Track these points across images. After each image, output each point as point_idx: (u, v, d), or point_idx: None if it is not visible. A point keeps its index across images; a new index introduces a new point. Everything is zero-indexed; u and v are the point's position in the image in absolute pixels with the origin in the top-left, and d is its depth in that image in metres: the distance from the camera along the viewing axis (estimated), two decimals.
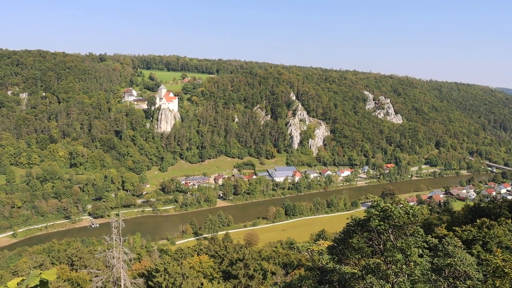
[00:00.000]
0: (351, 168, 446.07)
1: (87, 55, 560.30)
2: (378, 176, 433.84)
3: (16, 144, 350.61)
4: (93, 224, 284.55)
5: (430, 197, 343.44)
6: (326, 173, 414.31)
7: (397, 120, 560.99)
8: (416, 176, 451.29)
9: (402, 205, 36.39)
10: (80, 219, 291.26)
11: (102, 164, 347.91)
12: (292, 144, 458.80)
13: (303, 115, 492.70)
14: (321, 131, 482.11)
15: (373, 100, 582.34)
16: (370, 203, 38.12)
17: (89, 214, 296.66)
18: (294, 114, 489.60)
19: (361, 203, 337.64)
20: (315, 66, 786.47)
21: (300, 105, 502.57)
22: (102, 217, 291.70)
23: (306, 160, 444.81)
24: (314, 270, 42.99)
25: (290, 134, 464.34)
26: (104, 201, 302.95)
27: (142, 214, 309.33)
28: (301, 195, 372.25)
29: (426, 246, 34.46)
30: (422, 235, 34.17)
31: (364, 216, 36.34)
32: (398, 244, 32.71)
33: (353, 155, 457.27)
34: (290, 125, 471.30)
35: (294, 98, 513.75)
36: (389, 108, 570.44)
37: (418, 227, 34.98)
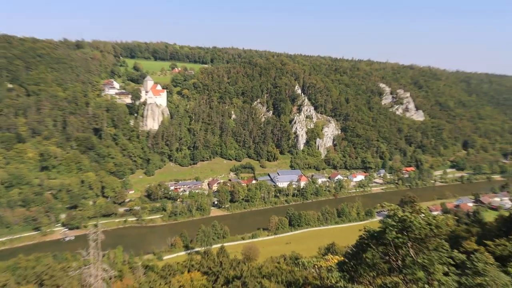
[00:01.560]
0: (365, 172, 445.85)
1: (61, 41, 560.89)
2: (396, 181, 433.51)
3: None
4: (67, 237, 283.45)
5: (456, 206, 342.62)
6: (336, 178, 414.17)
7: (418, 116, 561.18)
8: (440, 182, 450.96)
9: (423, 215, 35.95)
10: (52, 230, 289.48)
11: (78, 167, 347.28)
12: (297, 145, 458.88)
13: (310, 111, 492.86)
14: (331, 130, 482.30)
15: (390, 94, 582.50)
16: (386, 213, 37.81)
17: (63, 225, 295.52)
18: (299, 110, 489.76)
19: (376, 212, 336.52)
20: (323, 55, 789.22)
21: (306, 100, 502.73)
22: (78, 228, 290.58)
23: (313, 163, 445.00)
24: None
25: (295, 133, 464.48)
26: (80, 210, 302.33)
27: (125, 224, 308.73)
28: (307, 203, 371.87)
29: (452, 262, 34.03)
30: (447, 249, 33.73)
31: (379, 228, 35.99)
32: (419, 260, 32.31)
33: (368, 157, 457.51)
34: (295, 122, 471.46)
35: (299, 91, 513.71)
36: (408, 103, 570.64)
37: (443, 240, 34.57)
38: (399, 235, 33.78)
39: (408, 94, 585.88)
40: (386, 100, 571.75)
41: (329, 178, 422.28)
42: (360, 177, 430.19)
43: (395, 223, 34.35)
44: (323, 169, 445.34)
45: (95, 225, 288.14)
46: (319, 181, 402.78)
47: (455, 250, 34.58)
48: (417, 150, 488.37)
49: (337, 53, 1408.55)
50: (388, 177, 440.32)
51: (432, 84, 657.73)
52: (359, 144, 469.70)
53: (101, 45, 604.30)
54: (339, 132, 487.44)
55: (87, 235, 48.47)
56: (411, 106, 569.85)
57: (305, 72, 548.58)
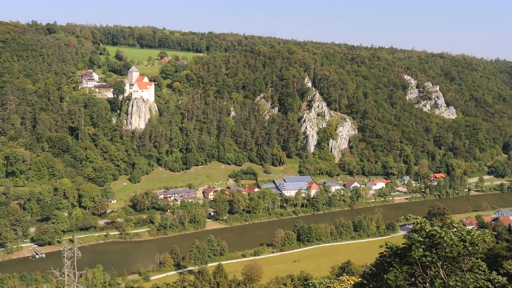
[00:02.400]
0: (386, 179, 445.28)
1: (29, 24, 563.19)
2: (423, 190, 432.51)
3: None
4: (37, 254, 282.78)
5: (495, 219, 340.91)
6: (353, 185, 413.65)
7: (450, 114, 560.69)
8: (475, 190, 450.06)
9: (456, 230, 35.71)
10: (19, 247, 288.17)
11: (51, 172, 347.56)
12: (306, 147, 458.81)
13: (322, 107, 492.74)
14: (346, 129, 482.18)
15: (417, 87, 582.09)
16: (411, 226, 37.58)
17: (32, 241, 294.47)
18: (309, 106, 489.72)
19: (400, 226, 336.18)
20: (337, 42, 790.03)
21: (317, 94, 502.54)
22: (50, 244, 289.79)
23: (326, 168, 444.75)
24: None
25: (305, 133, 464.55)
26: (53, 223, 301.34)
27: (106, 239, 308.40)
28: (318, 215, 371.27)
29: (490, 286, 33.74)
30: (484, 270, 33.44)
31: (404, 244, 35.80)
32: (451, 283, 32.06)
33: (389, 161, 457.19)
34: (305, 120, 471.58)
35: (309, 84, 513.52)
36: (438, 98, 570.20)
37: (479, 260, 34.30)
38: (427, 252, 33.53)
39: (437, 88, 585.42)
40: (412, 94, 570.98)
41: (344, 185, 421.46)
42: (380, 184, 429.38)
43: (422, 239, 34.11)
44: (337, 175, 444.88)
45: (71, 240, 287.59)
46: (333, 189, 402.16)
47: (494, 272, 34.26)
48: (448, 154, 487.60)
49: (354, 39, 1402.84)
50: (414, 184, 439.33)
51: (467, 75, 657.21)
52: (380, 146, 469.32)
53: (77, 29, 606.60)
54: (356, 132, 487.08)
55: (61, 252, 48.34)
56: (441, 101, 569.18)
57: (316, 62, 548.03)
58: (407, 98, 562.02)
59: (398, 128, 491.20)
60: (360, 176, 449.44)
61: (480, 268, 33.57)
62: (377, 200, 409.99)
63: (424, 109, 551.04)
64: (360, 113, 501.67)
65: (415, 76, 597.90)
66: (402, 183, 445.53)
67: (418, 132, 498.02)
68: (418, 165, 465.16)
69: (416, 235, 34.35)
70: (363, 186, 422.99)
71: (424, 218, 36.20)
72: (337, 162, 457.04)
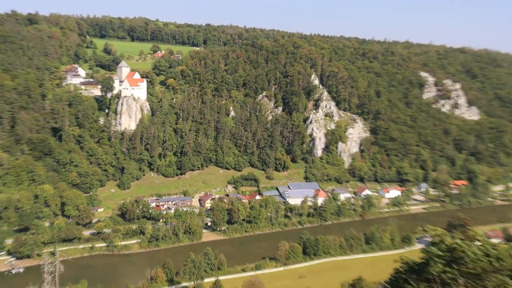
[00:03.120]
0: (401, 186, 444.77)
1: (8, 14, 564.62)
2: (442, 199, 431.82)
3: None
4: (14, 269, 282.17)
5: None
6: (364, 193, 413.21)
7: (472, 115, 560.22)
8: (501, 200, 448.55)
9: (479, 243, 35.13)
10: None
11: (31, 177, 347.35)
12: (313, 150, 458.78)
13: (330, 107, 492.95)
14: (357, 131, 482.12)
15: (435, 85, 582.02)
16: (430, 239, 36.99)
17: (9, 253, 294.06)
18: (316, 106, 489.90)
19: (417, 238, 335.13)
20: (347, 35, 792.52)
21: (325, 93, 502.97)
22: (29, 257, 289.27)
23: (334, 174, 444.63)
24: None
25: (311, 135, 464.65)
26: (32, 234, 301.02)
27: (91, 252, 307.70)
28: (326, 225, 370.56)
29: None
30: None
31: (421, 258, 35.26)
32: None
33: (404, 166, 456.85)
34: (311, 121, 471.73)
35: (316, 82, 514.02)
36: (458, 97, 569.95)
37: (506, 277, 33.70)
38: (447, 268, 32.94)
39: (458, 86, 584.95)
40: (429, 93, 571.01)
41: (354, 193, 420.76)
42: (394, 192, 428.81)
43: (441, 253, 33.56)
44: (347, 181, 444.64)
45: (52, 254, 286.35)
46: (342, 197, 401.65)
47: None
48: (470, 159, 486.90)
49: (366, 33, 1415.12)
50: (432, 193, 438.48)
51: (490, 72, 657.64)
52: (394, 150, 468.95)
53: (61, 20, 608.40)
54: (368, 135, 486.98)
55: (41, 267, 47.83)
56: (462, 101, 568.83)
57: (324, 58, 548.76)
58: (424, 97, 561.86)
59: (414, 130, 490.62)
60: (372, 183, 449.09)
61: (507, 286, 32.95)
62: (391, 209, 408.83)
63: (443, 110, 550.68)
64: (372, 113, 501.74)
65: (433, 73, 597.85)
66: (419, 191, 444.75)
67: (437, 134, 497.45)
68: (436, 171, 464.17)
69: (435, 248, 33.86)
70: (375, 194, 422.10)
71: (444, 230, 35.68)
72: (347, 168, 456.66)
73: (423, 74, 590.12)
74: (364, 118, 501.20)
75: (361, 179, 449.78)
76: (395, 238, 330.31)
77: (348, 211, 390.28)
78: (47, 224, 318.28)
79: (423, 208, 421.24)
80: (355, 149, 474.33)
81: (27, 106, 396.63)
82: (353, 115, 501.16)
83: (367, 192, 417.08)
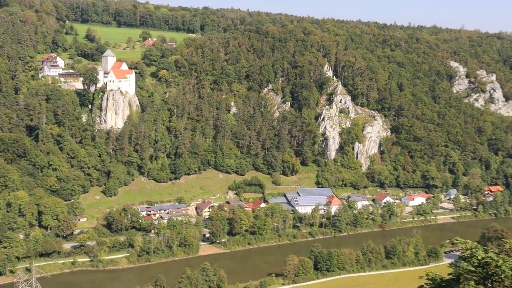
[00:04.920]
0: (427, 193, 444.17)
1: None
2: (475, 207, 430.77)
3: None
4: None
5: None
6: (384, 200, 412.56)
7: (509, 110, 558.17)
8: None
9: None
10: None
11: (2, 183, 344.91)
12: (326, 152, 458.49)
13: (346, 102, 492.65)
14: (376, 130, 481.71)
15: (466, 77, 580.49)
16: (460, 253, 36.94)
17: None
18: (330, 101, 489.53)
19: (445, 252, 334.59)
20: (365, 19, 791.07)
21: (340, 86, 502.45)
22: (0, 274, 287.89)
23: (350, 178, 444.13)
24: None
25: (324, 134, 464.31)
26: (5, 247, 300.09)
27: (73, 267, 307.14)
28: (341, 237, 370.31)
29: None
30: None
31: (449, 275, 35.24)
32: None
33: (431, 170, 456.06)
34: (324, 119, 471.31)
35: (330, 73, 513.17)
36: (494, 90, 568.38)
37: None
38: (480, 286, 32.93)
39: (493, 77, 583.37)
40: (460, 86, 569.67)
41: (373, 200, 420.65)
42: (419, 199, 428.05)
43: (473, 269, 33.54)
44: (365, 187, 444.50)
45: (28, 270, 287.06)
46: (359, 205, 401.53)
47: None
48: (507, 161, 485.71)
49: (387, 16, 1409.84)
50: (463, 200, 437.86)
51: None
52: (419, 152, 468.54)
53: (36, 2, 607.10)
54: (389, 134, 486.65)
55: (15, 285, 47.97)
56: (498, 95, 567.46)
57: (338, 46, 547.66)
58: (454, 91, 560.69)
59: (442, 129, 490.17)
60: (393, 189, 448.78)
61: None
62: (416, 219, 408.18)
63: (476, 104, 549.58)
64: (394, 109, 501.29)
65: (464, 63, 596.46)
66: (448, 198, 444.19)
67: (468, 133, 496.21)
68: (468, 175, 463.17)
69: (466, 263, 33.83)
70: (397, 201, 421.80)
71: (476, 243, 35.63)
72: (365, 171, 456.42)
73: (453, 64, 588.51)
74: (384, 115, 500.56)
75: (381, 185, 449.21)
76: (420, 252, 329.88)
77: (366, 221, 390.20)
78: (21, 236, 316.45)
79: (452, 218, 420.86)
80: (374, 150, 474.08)
81: None
82: (372, 112, 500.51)
83: (387, 199, 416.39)
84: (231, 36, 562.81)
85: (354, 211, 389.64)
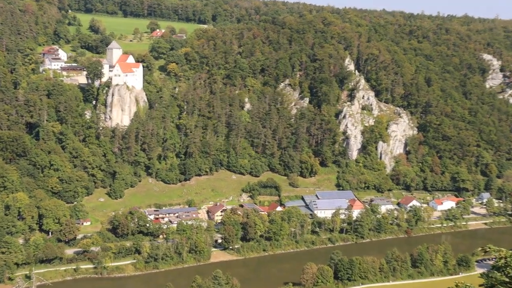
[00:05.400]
0: (457, 196, 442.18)
1: None
2: (510, 212, 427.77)
3: None
4: None
5: None
6: (410, 204, 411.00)
7: None
8: None
9: None
10: None
11: (1, 184, 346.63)
12: (347, 151, 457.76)
13: (369, 98, 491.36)
14: (402, 128, 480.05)
15: (501, 70, 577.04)
16: (493, 262, 36.80)
17: None
18: (352, 97, 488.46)
19: (476, 261, 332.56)
20: (390, 8, 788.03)
21: (362, 81, 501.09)
22: None
23: (373, 180, 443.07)
24: None
25: (345, 132, 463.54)
26: (3, 253, 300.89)
27: (75, 275, 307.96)
28: (363, 243, 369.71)
29: None
30: None
31: (482, 285, 35.16)
32: None
33: (462, 172, 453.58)
34: (345, 116, 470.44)
35: (352, 67, 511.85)
36: None
37: None
38: None
39: None
40: (494, 80, 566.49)
41: (398, 204, 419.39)
42: (449, 203, 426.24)
43: (507, 279, 33.46)
44: (389, 190, 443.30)
45: (27, 277, 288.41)
46: (383, 209, 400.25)
47: None
48: None
49: (413, 5, 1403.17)
50: (496, 204, 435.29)
51: None
52: (448, 152, 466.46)
53: None
54: (415, 132, 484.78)
55: None
56: None
57: (361, 37, 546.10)
58: (487, 86, 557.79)
59: (474, 127, 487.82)
60: (420, 192, 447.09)
61: None
62: (444, 225, 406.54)
63: (511, 101, 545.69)
64: (421, 106, 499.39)
65: (499, 55, 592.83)
66: (480, 202, 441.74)
67: (503, 132, 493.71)
68: (502, 177, 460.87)
69: (499, 274, 33.75)
70: (424, 205, 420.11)
71: (510, 251, 35.51)
72: (389, 173, 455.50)
73: (486, 56, 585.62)
74: (410, 112, 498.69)
75: (407, 187, 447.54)
76: (449, 261, 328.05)
77: (391, 226, 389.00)
78: (21, 241, 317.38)
79: (485, 224, 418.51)
80: (399, 150, 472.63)
81: None
82: (397, 108, 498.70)
83: (414, 203, 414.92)
84: (245, 27, 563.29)
85: (378, 216, 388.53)
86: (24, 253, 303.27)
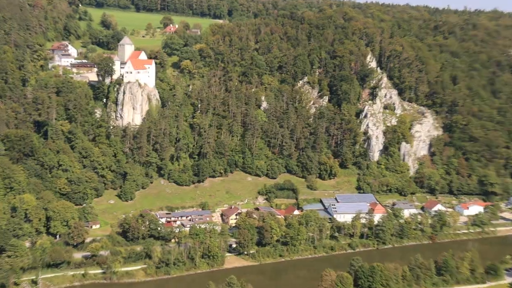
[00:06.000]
0: (485, 201, 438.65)
1: None
2: None
3: None
4: None
5: None
6: (435, 209, 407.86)
7: None
8: None
9: None
10: None
11: (7, 184, 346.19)
12: (368, 153, 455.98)
13: (391, 97, 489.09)
14: (426, 128, 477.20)
15: None
16: None
17: None
18: (373, 96, 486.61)
19: (506, 269, 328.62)
20: (414, 3, 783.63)
21: (385, 79, 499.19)
22: (4, 286, 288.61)
23: (396, 183, 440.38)
24: None
25: (366, 133, 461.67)
26: (9, 256, 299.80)
27: (84, 280, 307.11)
28: (385, 250, 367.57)
29: None
30: None
31: None
32: None
33: (490, 174, 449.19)
34: (366, 115, 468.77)
35: (373, 64, 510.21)
36: None
37: None
38: None
39: None
40: None
41: (422, 209, 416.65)
42: (476, 208, 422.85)
43: None
44: (412, 193, 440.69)
45: (34, 282, 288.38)
46: (406, 213, 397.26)
47: None
48: None
49: (439, 0, 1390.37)
50: None
51: None
52: (475, 153, 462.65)
53: None
54: (440, 133, 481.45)
55: None
56: None
57: (383, 33, 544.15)
58: None
59: (503, 127, 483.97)
60: (446, 195, 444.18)
61: None
62: (471, 230, 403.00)
63: None
64: (447, 105, 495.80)
65: None
66: (509, 207, 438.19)
67: None
68: None
69: None
70: (450, 210, 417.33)
71: None
72: (413, 175, 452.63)
73: None
74: (435, 111, 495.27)
75: (432, 191, 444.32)
76: (476, 269, 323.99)
77: (414, 231, 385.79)
78: (27, 244, 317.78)
79: None
80: (423, 151, 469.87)
81: (3, 94, 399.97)
82: (421, 108, 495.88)
83: (439, 207, 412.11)
84: (262, 22, 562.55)
85: (400, 221, 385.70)
86: (31, 257, 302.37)
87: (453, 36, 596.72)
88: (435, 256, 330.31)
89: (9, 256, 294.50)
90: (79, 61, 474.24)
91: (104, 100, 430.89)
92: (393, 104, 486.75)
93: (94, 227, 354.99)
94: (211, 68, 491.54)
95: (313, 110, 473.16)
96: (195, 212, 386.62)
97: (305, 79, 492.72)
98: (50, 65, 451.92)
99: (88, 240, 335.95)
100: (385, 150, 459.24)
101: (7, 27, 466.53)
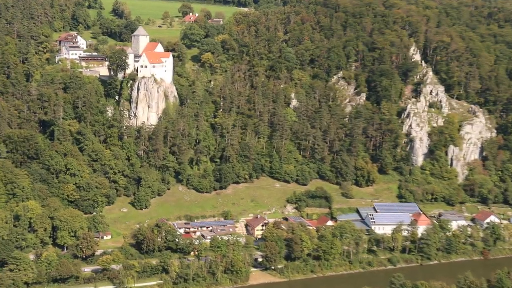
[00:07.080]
0: None
1: None
2: None
3: None
4: None
5: None
6: (488, 220, 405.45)
7: None
8: None
9: None
10: None
11: (10, 190, 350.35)
12: (411, 156, 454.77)
13: (438, 94, 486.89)
14: (477, 130, 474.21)
15: None
16: None
17: None
18: (417, 93, 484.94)
19: None
20: None
21: (430, 74, 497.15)
22: None
23: (442, 191, 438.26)
24: None
25: (409, 134, 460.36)
26: (11, 270, 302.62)
27: None
28: (430, 266, 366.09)
29: None
30: None
31: None
32: None
33: None
34: (409, 115, 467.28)
35: (417, 57, 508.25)
36: None
37: None
38: None
39: None
40: None
41: (472, 220, 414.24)
42: None
43: None
44: (461, 203, 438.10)
45: None
46: (454, 225, 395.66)
47: None
48: None
49: None
50: None
51: None
52: None
53: None
54: (494, 135, 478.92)
55: None
56: None
57: (429, 22, 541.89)
58: None
59: None
60: (500, 205, 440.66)
61: None
62: None
63: None
64: (502, 103, 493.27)
65: None
66: None
67: None
68: None
69: None
70: (505, 222, 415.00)
71: None
72: (462, 182, 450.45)
73: None
74: (488, 111, 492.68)
75: (484, 200, 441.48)
76: None
77: (463, 246, 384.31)
78: (32, 256, 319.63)
79: None
80: (474, 155, 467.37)
81: (5, 90, 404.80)
82: (472, 106, 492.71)
83: (492, 218, 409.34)
84: (292, 11, 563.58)
85: (448, 233, 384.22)
86: (35, 270, 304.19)
87: (510, 24, 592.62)
88: (488, 274, 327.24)
89: (11, 270, 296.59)
90: (88, 53, 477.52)
91: (117, 97, 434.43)
92: (440, 102, 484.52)
93: (105, 238, 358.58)
94: (235, 61, 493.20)
95: (348, 109, 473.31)
96: (217, 222, 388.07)
97: (340, 74, 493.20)
98: (56, 58, 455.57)
99: (98, 252, 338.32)
100: (430, 154, 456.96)
101: (9, 16, 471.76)
